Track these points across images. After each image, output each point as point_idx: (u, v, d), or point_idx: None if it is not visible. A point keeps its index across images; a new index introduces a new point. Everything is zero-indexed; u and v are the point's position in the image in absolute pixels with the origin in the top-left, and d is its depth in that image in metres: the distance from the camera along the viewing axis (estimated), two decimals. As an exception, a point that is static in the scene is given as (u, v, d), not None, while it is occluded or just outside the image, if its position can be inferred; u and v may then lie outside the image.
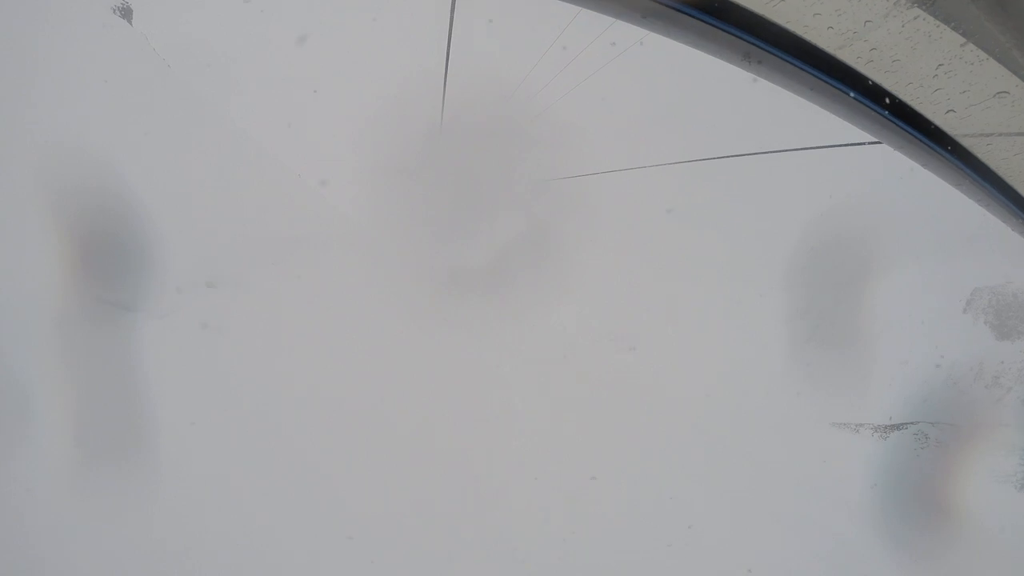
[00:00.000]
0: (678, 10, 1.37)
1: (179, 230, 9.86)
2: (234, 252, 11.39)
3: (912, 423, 9.95)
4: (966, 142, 1.53)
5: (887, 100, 1.48)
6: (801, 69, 1.43)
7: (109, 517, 5.27)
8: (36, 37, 10.79)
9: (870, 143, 1.70)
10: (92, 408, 6.02)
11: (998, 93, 1.46)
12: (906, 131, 1.51)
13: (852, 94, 1.47)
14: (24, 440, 5.20)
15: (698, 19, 1.36)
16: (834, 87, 1.46)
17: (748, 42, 1.38)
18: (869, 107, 1.48)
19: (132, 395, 6.52)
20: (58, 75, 10.22)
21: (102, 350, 6.69)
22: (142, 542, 5.37)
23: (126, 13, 13.86)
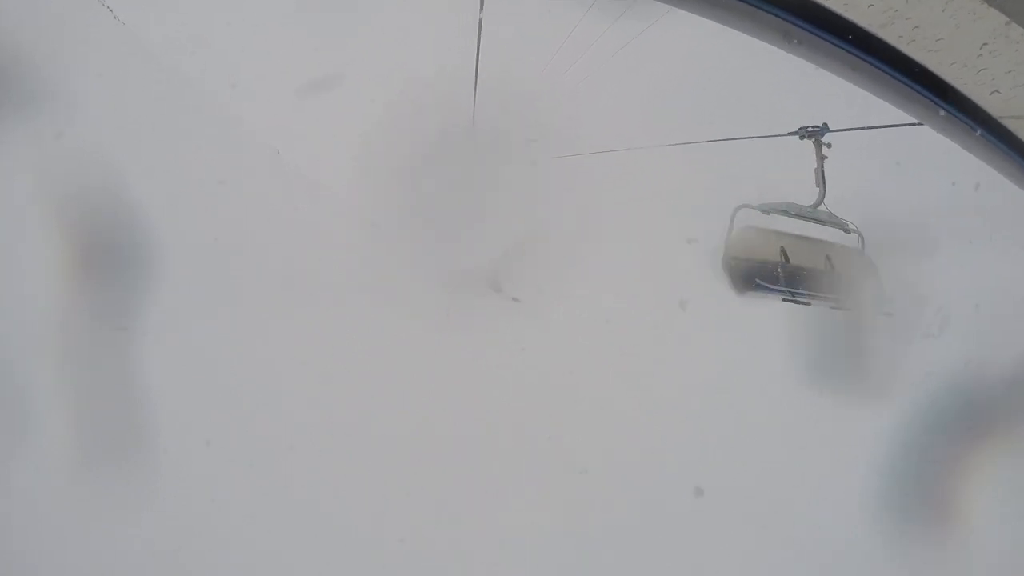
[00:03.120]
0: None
1: (178, 224, 9.90)
2: (234, 252, 11.39)
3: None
4: (1010, 124, 1.49)
5: (930, 81, 1.44)
6: (842, 49, 1.39)
7: (109, 521, 5.22)
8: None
9: (913, 124, 1.66)
10: (93, 412, 5.99)
11: (1044, 73, 1.42)
12: (949, 112, 1.47)
13: (894, 74, 1.43)
14: (23, 445, 5.14)
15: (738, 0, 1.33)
16: (875, 67, 1.42)
17: (787, 21, 1.34)
18: (912, 88, 1.44)
19: (131, 397, 6.49)
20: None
21: (103, 353, 6.65)
22: (141, 544, 5.32)
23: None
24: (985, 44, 1.37)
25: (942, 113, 1.47)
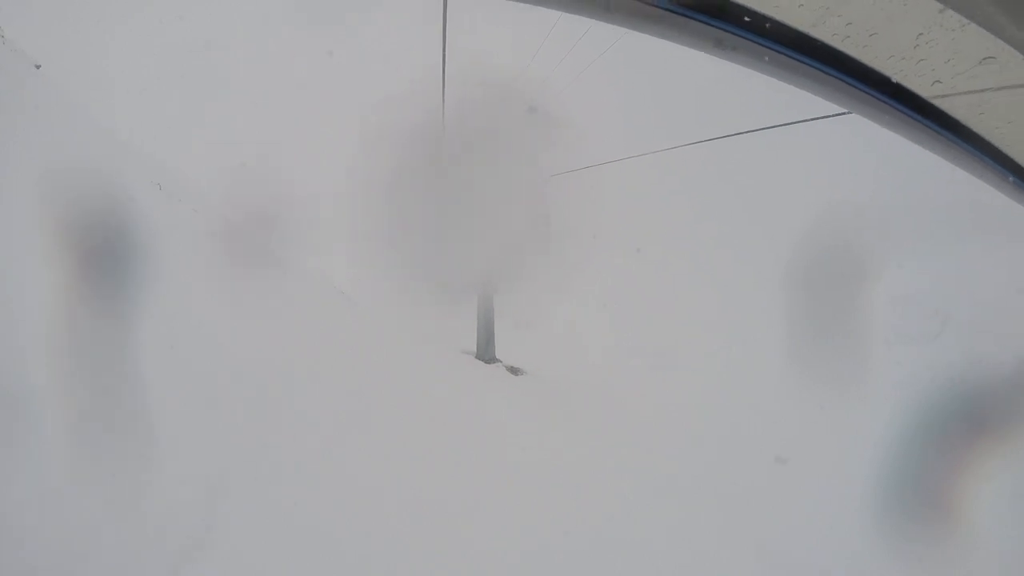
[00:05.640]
0: (646, 2, 1.34)
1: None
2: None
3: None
4: (956, 113, 1.48)
5: (870, 76, 1.43)
6: (777, 52, 1.39)
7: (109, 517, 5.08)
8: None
9: (839, 114, 1.66)
10: (94, 408, 5.87)
11: (984, 59, 1.41)
12: (892, 106, 1.46)
13: (832, 73, 1.42)
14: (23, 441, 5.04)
15: (665, 10, 1.33)
16: (812, 67, 1.42)
17: (718, 28, 1.34)
18: (853, 85, 1.43)
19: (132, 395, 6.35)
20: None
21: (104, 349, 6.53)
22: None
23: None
24: (921, 34, 1.37)
25: (885, 107, 1.46)
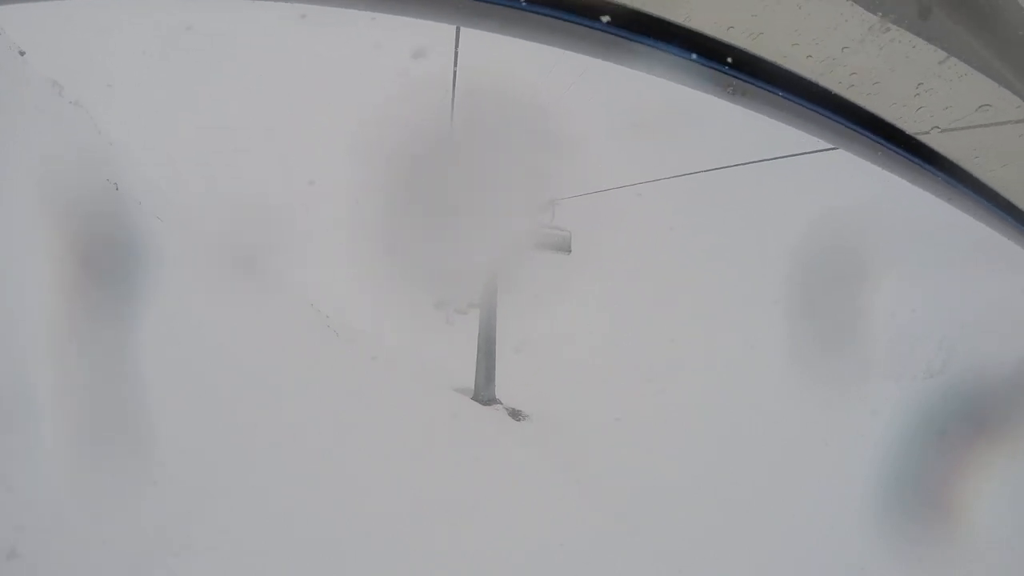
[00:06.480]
0: (659, 49, 1.41)
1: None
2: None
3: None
4: (953, 156, 1.56)
5: (868, 119, 1.51)
6: (784, 98, 1.46)
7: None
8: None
9: (827, 149, 1.73)
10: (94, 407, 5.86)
11: (980, 107, 1.49)
12: (894, 151, 1.54)
13: (836, 119, 1.50)
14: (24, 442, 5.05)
15: (678, 56, 1.40)
16: (817, 113, 1.49)
17: (729, 75, 1.42)
18: (854, 130, 1.51)
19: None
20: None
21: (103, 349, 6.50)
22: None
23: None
24: (921, 83, 1.44)
25: (887, 153, 1.54)
